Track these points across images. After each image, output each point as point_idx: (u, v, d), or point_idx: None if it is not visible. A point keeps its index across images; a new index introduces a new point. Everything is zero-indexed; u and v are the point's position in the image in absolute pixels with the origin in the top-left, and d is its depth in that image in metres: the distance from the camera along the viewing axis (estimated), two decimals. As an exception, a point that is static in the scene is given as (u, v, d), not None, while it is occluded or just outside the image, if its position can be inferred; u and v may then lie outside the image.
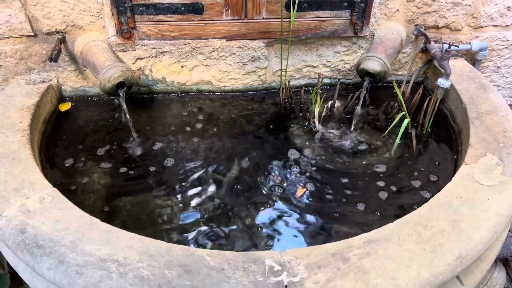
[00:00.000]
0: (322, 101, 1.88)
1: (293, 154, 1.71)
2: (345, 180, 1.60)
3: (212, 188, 1.56)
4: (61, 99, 1.95)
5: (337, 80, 2.05)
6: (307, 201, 1.51)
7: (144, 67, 1.91)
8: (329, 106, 1.94)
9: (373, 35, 1.92)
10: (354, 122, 1.85)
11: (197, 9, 1.76)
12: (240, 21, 1.81)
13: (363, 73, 1.84)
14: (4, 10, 1.69)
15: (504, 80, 2.20)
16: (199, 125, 1.85)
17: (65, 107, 1.90)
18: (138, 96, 1.99)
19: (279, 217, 1.46)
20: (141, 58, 1.88)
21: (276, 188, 1.56)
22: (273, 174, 1.62)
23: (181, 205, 1.49)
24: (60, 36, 1.77)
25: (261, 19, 1.81)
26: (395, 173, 1.63)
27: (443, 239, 1.14)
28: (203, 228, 1.41)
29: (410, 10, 1.88)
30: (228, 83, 2.01)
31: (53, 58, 1.68)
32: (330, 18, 1.84)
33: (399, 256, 1.09)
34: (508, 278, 2.12)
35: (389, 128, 1.79)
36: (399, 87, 1.89)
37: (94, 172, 1.61)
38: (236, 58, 1.92)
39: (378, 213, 1.47)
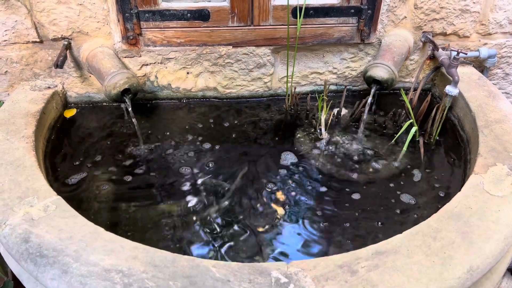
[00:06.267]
0: (328, 108, 1.86)
1: (299, 161, 1.69)
2: (352, 188, 1.58)
3: (217, 195, 1.54)
4: (66, 105, 1.94)
5: (343, 87, 2.04)
6: (313, 210, 1.49)
7: (149, 73, 1.91)
8: (335, 113, 1.93)
9: (380, 42, 1.91)
10: (360, 129, 1.84)
11: (203, 16, 1.75)
12: (246, 27, 1.80)
13: (370, 80, 1.82)
14: (10, 16, 1.69)
15: (512, 87, 2.18)
16: (204, 132, 1.84)
17: (70, 113, 1.90)
18: (143, 102, 1.98)
19: (285, 226, 1.44)
20: (147, 65, 1.87)
21: (281, 196, 1.54)
22: (278, 181, 1.61)
23: (185, 211, 1.48)
24: (65, 42, 1.76)
25: (268, 25, 1.80)
26: (402, 181, 1.61)
27: (453, 251, 1.12)
28: (207, 234, 1.39)
29: (418, 17, 1.86)
30: (233, 89, 2.00)
31: (59, 65, 1.67)
32: (336, 25, 1.83)
33: (408, 269, 1.07)
34: (517, 288, 2.09)
35: (397, 136, 1.77)
36: (407, 94, 1.87)
37: (98, 179, 1.60)
38: (242, 65, 1.91)
39: (385, 223, 1.45)
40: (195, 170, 1.65)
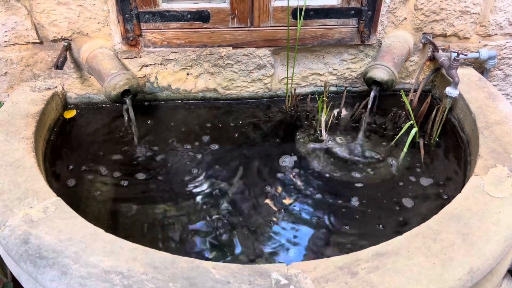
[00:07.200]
0: (328, 109, 1.86)
1: (299, 163, 1.69)
2: (352, 190, 1.58)
3: (216, 196, 1.54)
4: (66, 106, 1.94)
5: (343, 88, 2.03)
6: (313, 212, 1.49)
7: (149, 75, 1.90)
8: (335, 114, 1.92)
9: (380, 43, 1.91)
10: (361, 130, 1.83)
11: (203, 17, 1.75)
12: (246, 29, 1.80)
13: (370, 82, 1.82)
14: (10, 17, 1.69)
15: (512, 88, 2.18)
16: (204, 133, 1.84)
17: (70, 114, 1.90)
18: (143, 103, 1.98)
19: (285, 227, 1.44)
20: (147, 66, 1.87)
21: (281, 198, 1.54)
22: (278, 183, 1.60)
23: (185, 213, 1.48)
24: (65, 43, 1.76)
25: (268, 27, 1.80)
26: (403, 183, 1.61)
27: (453, 253, 1.12)
28: (207, 236, 1.39)
29: (418, 18, 1.86)
30: (233, 90, 2.00)
31: (59, 66, 1.67)
32: (336, 26, 1.83)
33: (408, 270, 1.07)
34: (517, 290, 2.08)
35: (397, 137, 1.77)
36: (407, 95, 1.87)
37: (98, 180, 1.59)
38: (242, 66, 1.91)
39: (385, 225, 1.45)
40: (195, 171, 1.65)
